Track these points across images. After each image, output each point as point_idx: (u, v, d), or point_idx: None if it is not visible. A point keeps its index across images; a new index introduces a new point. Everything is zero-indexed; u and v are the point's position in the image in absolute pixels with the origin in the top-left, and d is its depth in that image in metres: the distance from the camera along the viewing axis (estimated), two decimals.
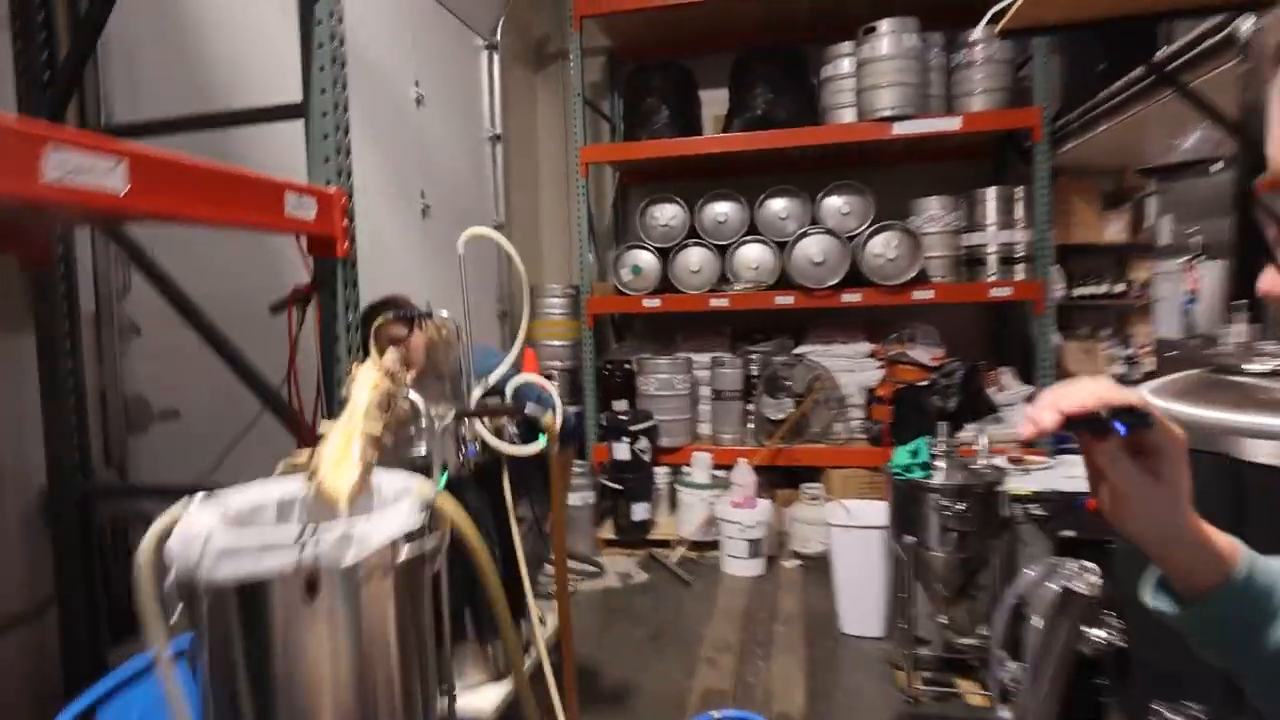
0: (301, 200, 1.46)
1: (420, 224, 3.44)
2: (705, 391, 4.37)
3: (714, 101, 4.60)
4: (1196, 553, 0.62)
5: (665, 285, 4.33)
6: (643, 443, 4.00)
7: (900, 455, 2.54)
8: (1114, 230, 4.76)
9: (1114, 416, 0.60)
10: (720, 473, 4.09)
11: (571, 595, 3.67)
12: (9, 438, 1.79)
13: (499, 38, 4.15)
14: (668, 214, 4.39)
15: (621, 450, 3.99)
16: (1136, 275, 5.05)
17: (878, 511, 3.24)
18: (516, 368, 2.37)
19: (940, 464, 2.46)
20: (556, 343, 4.43)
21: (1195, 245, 2.82)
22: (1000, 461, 2.62)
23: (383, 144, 3.16)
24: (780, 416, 4.18)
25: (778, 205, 4.31)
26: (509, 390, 1.82)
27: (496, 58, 4.15)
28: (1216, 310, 2.65)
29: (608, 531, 4.14)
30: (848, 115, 4.08)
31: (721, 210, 4.36)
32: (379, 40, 3.14)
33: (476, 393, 1.75)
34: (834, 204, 4.25)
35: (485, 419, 1.74)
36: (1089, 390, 0.61)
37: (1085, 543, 2.12)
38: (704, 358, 4.40)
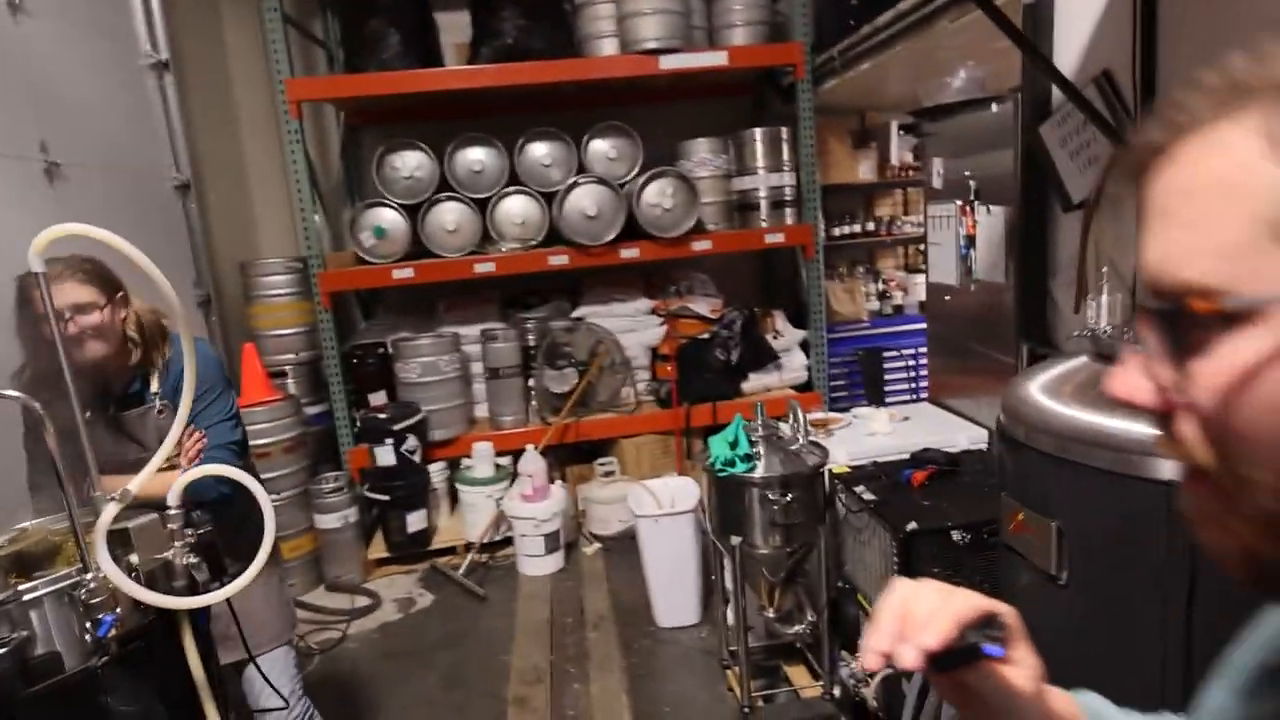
0: None
1: (44, 190, 2.37)
2: (478, 369, 3.72)
3: (453, 27, 3.81)
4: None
5: (418, 249, 3.56)
6: (410, 441, 3.29)
7: (718, 446, 2.15)
8: (864, 169, 4.76)
9: (983, 639, 0.53)
10: (505, 460, 3.52)
11: (340, 643, 2.95)
12: None
13: None
14: (411, 163, 3.59)
15: (385, 454, 3.25)
16: (883, 212, 5.15)
17: (683, 492, 2.89)
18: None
19: (760, 451, 2.11)
20: (285, 331, 3.50)
21: (971, 187, 2.70)
22: (817, 438, 2.33)
23: None
24: (564, 389, 3.67)
25: (539, 150, 3.69)
26: (174, 491, 1.09)
27: None
28: (997, 257, 2.55)
29: (379, 549, 3.42)
30: (608, 47, 3.53)
31: (476, 157, 3.65)
32: None
33: (107, 514, 1.00)
34: (600, 148, 3.72)
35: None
36: (938, 611, 0.54)
37: (927, 534, 1.89)
38: (472, 330, 3.74)
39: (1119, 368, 0.42)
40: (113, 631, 1.00)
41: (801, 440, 2.20)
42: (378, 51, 3.51)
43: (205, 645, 1.16)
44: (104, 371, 1.61)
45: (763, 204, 3.80)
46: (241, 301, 3.51)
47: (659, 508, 2.81)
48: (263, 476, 3.05)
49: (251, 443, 3.05)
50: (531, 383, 3.72)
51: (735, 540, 2.13)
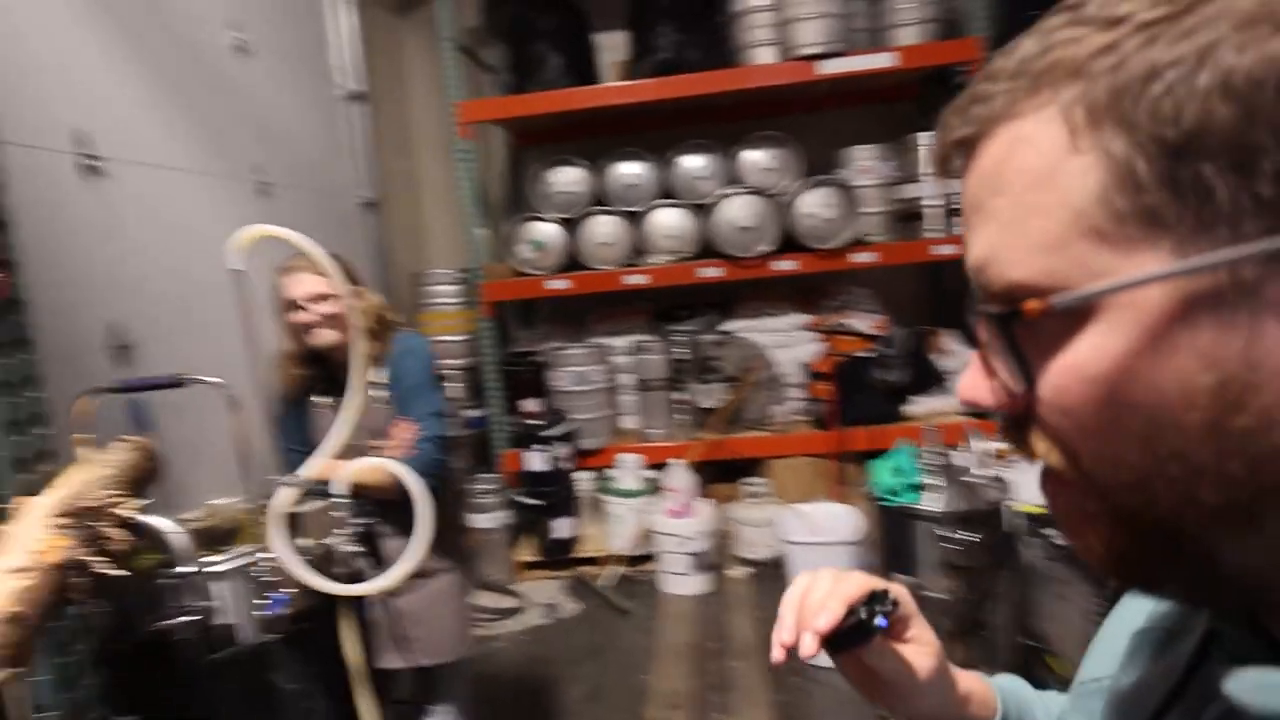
0: None
1: (256, 205, 2.65)
2: (626, 380, 3.76)
3: (611, 46, 3.91)
4: (965, 700, 0.62)
5: (573, 261, 3.67)
6: (560, 448, 3.37)
7: (882, 473, 2.02)
8: None
9: (869, 614, 0.56)
10: (652, 473, 3.52)
11: (490, 641, 3.07)
12: None
13: None
14: (568, 178, 3.71)
15: (536, 460, 3.35)
16: None
17: (838, 519, 2.76)
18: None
19: (932, 481, 1.95)
20: (450, 337, 3.71)
21: None
22: (998, 468, 2.14)
23: (194, 109, 2.35)
24: (714, 404, 3.63)
25: (693, 163, 3.69)
26: (341, 480, 1.15)
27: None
28: None
29: (527, 553, 3.52)
30: (766, 55, 3.48)
31: (630, 171, 3.71)
32: None
33: (282, 497, 1.07)
34: (755, 158, 3.67)
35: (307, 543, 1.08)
36: (829, 594, 0.58)
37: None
38: (622, 342, 3.79)
39: (966, 372, 0.41)
40: (283, 611, 1.08)
41: (980, 471, 2.02)
42: (540, 74, 3.67)
43: (364, 636, 1.22)
44: (335, 358, 1.73)
45: (930, 213, 3.59)
46: (413, 309, 3.76)
47: (811, 534, 2.69)
48: None
49: None
50: (680, 396, 3.71)
51: (902, 580, 1.99)
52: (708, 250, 3.59)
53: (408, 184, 4.03)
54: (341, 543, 1.15)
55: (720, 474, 3.66)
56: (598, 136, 3.90)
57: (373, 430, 1.70)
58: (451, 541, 1.84)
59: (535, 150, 4.11)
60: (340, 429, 1.17)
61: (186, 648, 1.03)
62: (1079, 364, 0.34)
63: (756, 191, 3.47)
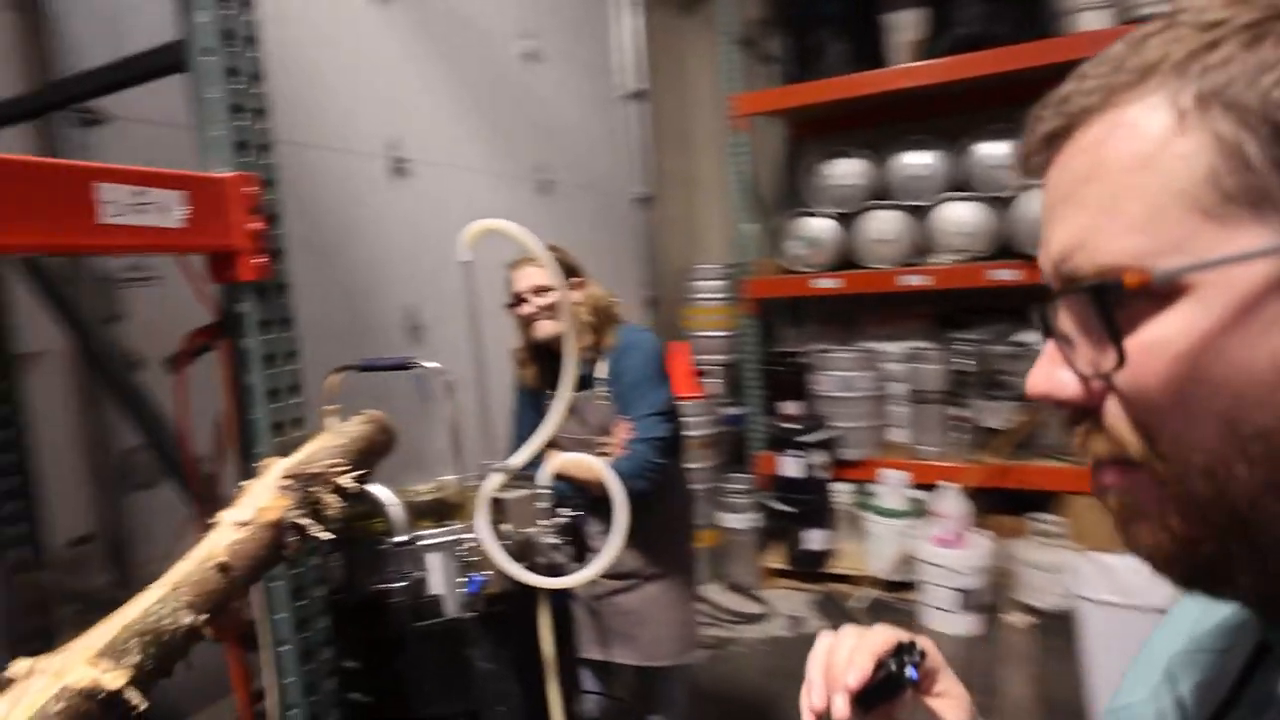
0: (145, 197, 0.88)
1: (538, 202, 2.86)
2: (897, 390, 3.46)
3: (905, 25, 3.58)
4: None
5: (847, 259, 3.46)
6: (816, 455, 3.20)
7: None
8: None
9: (899, 666, 0.55)
10: (919, 494, 3.21)
11: (729, 644, 3.03)
12: None
13: None
14: (846, 170, 3.49)
15: (791, 465, 3.22)
16: None
17: (1150, 580, 2.25)
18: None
19: None
20: (713, 333, 3.71)
21: None
22: None
23: (486, 113, 2.59)
24: (1000, 424, 3.20)
25: (993, 151, 3.27)
26: (546, 472, 1.15)
27: (631, 1, 3.44)
28: None
29: (776, 560, 3.41)
30: (1092, 20, 2.95)
31: (919, 161, 3.39)
32: None
33: (492, 482, 1.09)
34: None
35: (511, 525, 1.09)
36: (856, 649, 0.56)
37: None
38: (896, 348, 3.49)
39: (1037, 365, 0.40)
40: (481, 590, 1.12)
41: None
42: (822, 61, 3.50)
43: (563, 627, 1.23)
44: (558, 351, 1.76)
45: None
46: (680, 303, 3.83)
47: (1113, 593, 2.24)
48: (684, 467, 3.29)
49: None
50: (959, 412, 3.32)
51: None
52: (1003, 250, 3.17)
53: (682, 180, 4.10)
54: (544, 533, 1.16)
55: (1002, 504, 3.21)
56: (884, 125, 3.62)
57: (599, 426, 1.71)
58: (672, 545, 1.80)
59: (815, 142, 3.94)
60: (550, 421, 1.18)
61: (398, 611, 1.11)
62: (1169, 339, 0.34)
63: None
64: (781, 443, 3.25)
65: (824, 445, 3.23)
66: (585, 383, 1.75)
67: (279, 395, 1.06)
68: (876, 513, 3.18)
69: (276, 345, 1.06)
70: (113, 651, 0.65)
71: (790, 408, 3.45)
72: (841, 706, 0.54)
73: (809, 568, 3.30)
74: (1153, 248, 0.34)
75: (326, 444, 1.03)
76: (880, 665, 0.54)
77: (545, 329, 1.76)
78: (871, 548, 3.21)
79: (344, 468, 1.00)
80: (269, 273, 1.04)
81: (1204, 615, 0.49)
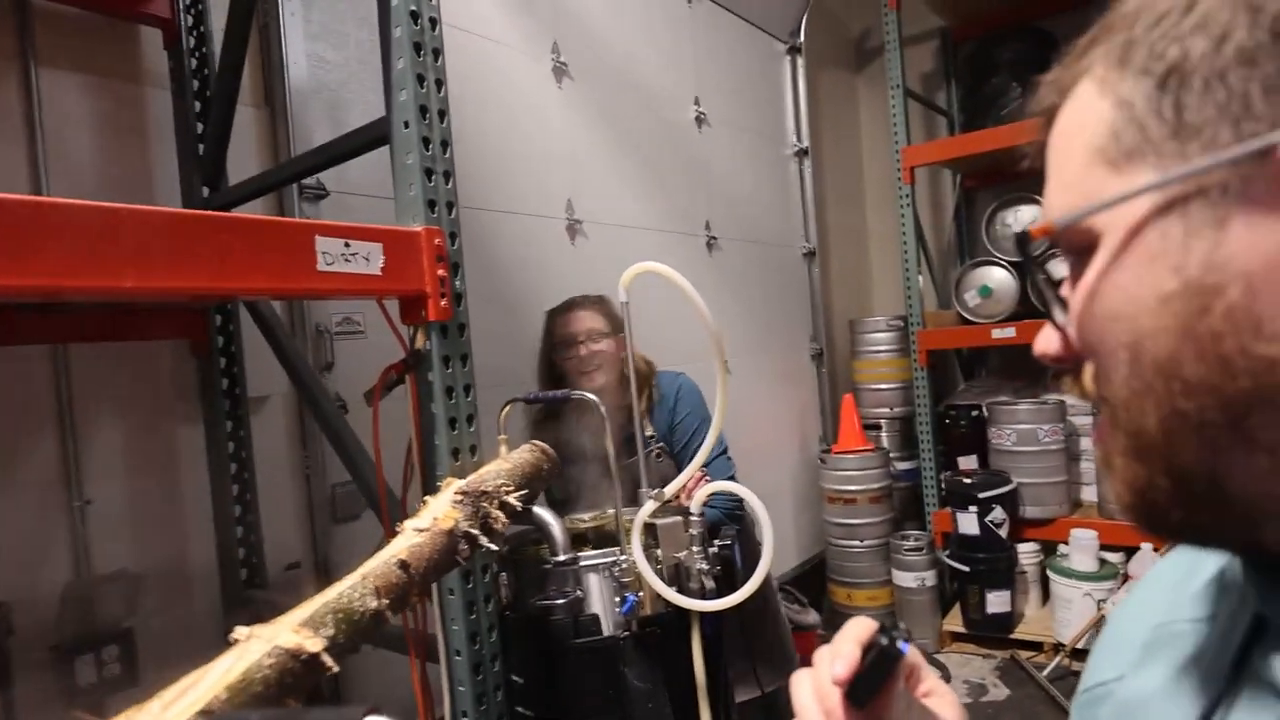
0: (351, 249, 1.01)
1: (705, 259, 2.93)
2: (1088, 445, 3.13)
3: None
4: None
5: (1025, 309, 3.22)
6: (996, 513, 2.94)
7: None
8: None
9: (890, 640, 0.49)
10: (1112, 556, 2.85)
11: None
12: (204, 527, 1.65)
13: (802, 39, 3.49)
14: (1025, 218, 3.29)
15: (968, 522, 2.98)
16: None
17: None
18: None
19: None
20: (884, 386, 3.56)
21: None
22: None
23: (657, 175, 2.72)
24: None
25: None
26: (697, 500, 1.16)
27: (800, 62, 3.49)
28: None
29: (955, 622, 3.14)
30: None
31: None
32: (649, 59, 2.72)
33: (646, 509, 1.12)
34: None
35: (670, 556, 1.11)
36: (841, 645, 0.51)
37: None
38: (1085, 401, 3.16)
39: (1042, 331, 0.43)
40: (635, 611, 1.14)
41: None
42: (996, 109, 3.36)
43: (715, 653, 1.22)
44: (609, 406, 1.76)
45: None
46: (849, 356, 3.72)
47: None
48: (849, 522, 3.15)
49: (840, 488, 3.20)
50: None
51: None
52: None
53: (851, 232, 4.03)
54: (695, 559, 1.17)
55: None
56: None
57: (662, 479, 1.69)
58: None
59: (988, 191, 3.75)
60: (702, 453, 1.19)
61: (559, 628, 1.16)
62: (1086, 284, 0.37)
63: None
64: (959, 499, 3.03)
65: (1005, 502, 2.97)
66: (633, 444, 1.76)
67: (456, 424, 1.16)
68: (1065, 575, 2.86)
69: (455, 379, 1.17)
70: (313, 623, 0.74)
71: (968, 462, 3.22)
72: (832, 703, 0.50)
73: (991, 631, 3.00)
74: (1072, 201, 0.37)
75: (496, 468, 1.11)
76: (868, 649, 0.50)
77: (593, 381, 1.70)
78: (1059, 613, 2.87)
79: (510, 488, 1.07)
80: (450, 314, 1.15)
81: (1181, 584, 0.48)
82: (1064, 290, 0.40)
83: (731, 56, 3.13)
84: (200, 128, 1.71)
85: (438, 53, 1.21)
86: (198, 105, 1.72)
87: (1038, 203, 3.26)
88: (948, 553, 3.10)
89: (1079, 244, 0.37)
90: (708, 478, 1.74)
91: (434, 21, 1.21)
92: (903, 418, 3.54)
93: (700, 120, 2.92)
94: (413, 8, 1.18)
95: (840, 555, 3.26)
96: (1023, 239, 0.40)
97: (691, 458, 1.77)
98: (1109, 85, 0.36)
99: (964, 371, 3.85)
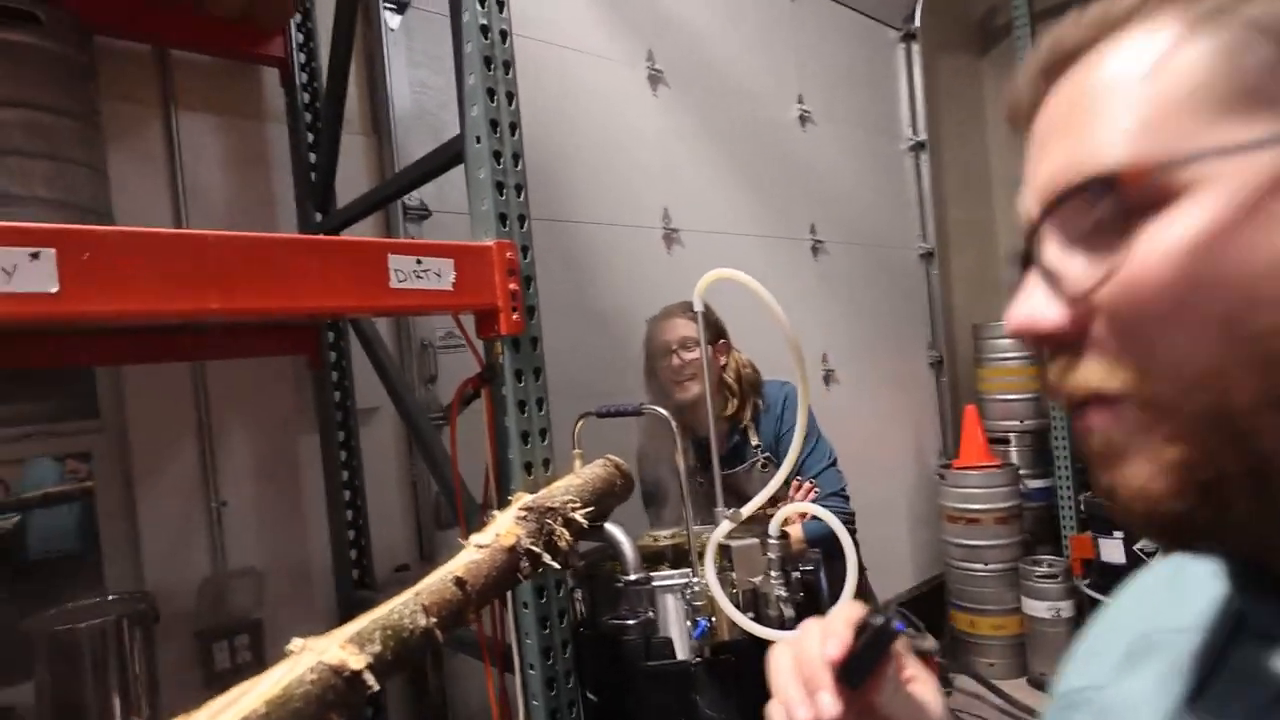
0: (423, 266, 1.04)
1: (810, 264, 2.83)
2: None
3: None
4: None
5: None
6: (1147, 540, 2.66)
7: None
8: None
9: (886, 621, 0.49)
10: None
11: None
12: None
13: (917, 24, 3.32)
14: None
15: (1113, 549, 2.71)
16: None
17: None
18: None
19: None
20: (1013, 396, 3.31)
21: None
22: None
23: (756, 179, 2.66)
24: None
25: None
26: (775, 522, 1.10)
27: (916, 49, 3.32)
28: None
29: None
30: None
31: None
32: (748, 59, 2.67)
33: (721, 529, 1.07)
34: None
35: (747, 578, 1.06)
36: (833, 627, 0.51)
37: None
38: None
39: (1018, 298, 0.38)
40: (708, 636, 1.10)
41: None
42: None
43: None
44: (702, 418, 1.71)
45: None
46: (972, 363, 3.49)
47: None
48: (971, 544, 2.95)
49: (962, 506, 3.00)
50: None
51: None
52: None
53: (975, 230, 3.78)
54: (773, 585, 1.11)
55: None
56: None
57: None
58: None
59: None
60: (781, 474, 1.14)
61: (631, 648, 1.14)
62: (1168, 241, 0.33)
63: None
64: (1102, 522, 2.76)
65: None
66: (738, 454, 1.68)
67: (529, 438, 1.17)
68: None
69: (528, 393, 1.18)
70: (360, 639, 0.76)
71: None
72: (830, 702, 0.47)
73: None
74: (1149, 151, 0.33)
75: (566, 483, 1.11)
76: (860, 630, 0.48)
77: (688, 391, 1.68)
78: None
79: (576, 504, 1.06)
80: (522, 327, 1.16)
81: (1163, 593, 0.48)
82: (1067, 256, 0.36)
83: (838, 48, 3.02)
84: (312, 157, 1.83)
85: (508, 66, 1.22)
86: (310, 136, 1.83)
87: None
88: (1087, 581, 2.83)
89: (1142, 199, 0.33)
90: (817, 489, 1.69)
91: (504, 35, 1.23)
92: (1034, 431, 3.27)
93: (804, 119, 2.83)
94: (483, 22, 1.21)
95: (962, 579, 3.06)
96: (1079, 185, 0.35)
97: (798, 468, 1.73)
98: (1203, 29, 0.34)
99: None
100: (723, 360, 1.77)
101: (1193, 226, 0.32)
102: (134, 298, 0.84)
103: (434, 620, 0.82)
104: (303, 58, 1.86)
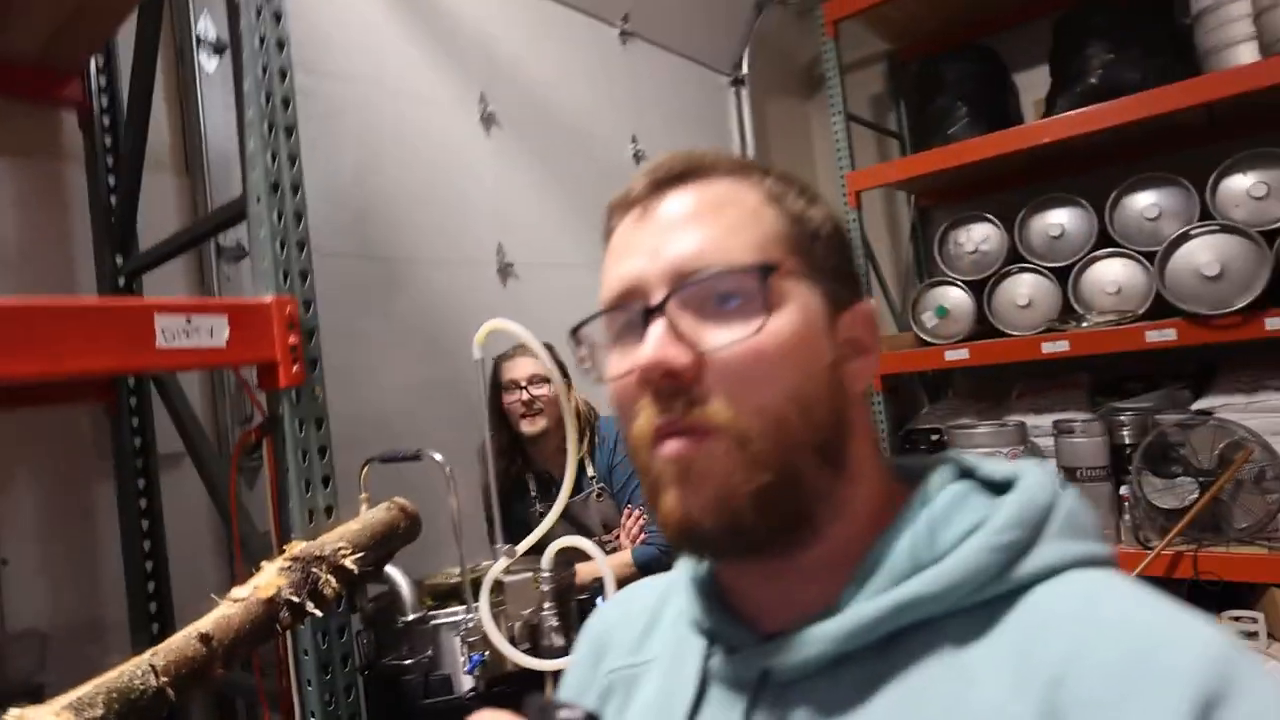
0: (193, 324, 1.06)
1: None
2: (1051, 467, 3.10)
3: (1034, 84, 3.40)
4: None
5: (983, 328, 3.22)
6: None
7: None
8: None
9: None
10: None
11: None
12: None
13: (745, 70, 3.55)
14: (976, 236, 3.29)
15: None
16: None
17: None
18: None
19: None
20: None
21: None
22: None
23: (591, 214, 2.76)
24: (1176, 504, 2.75)
25: (1142, 201, 2.94)
26: (548, 555, 1.18)
27: (745, 94, 3.55)
28: None
29: None
30: (1244, 54, 2.62)
31: (1055, 221, 3.13)
32: (582, 100, 2.78)
33: (497, 565, 1.14)
34: (1239, 187, 2.75)
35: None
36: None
37: None
38: (1047, 421, 3.15)
39: (648, 342, 0.50)
40: (484, 669, 1.15)
41: None
42: (944, 128, 3.38)
43: None
44: (545, 452, 1.83)
45: None
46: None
47: None
48: None
49: None
50: (1127, 492, 2.90)
51: None
52: (1159, 309, 2.80)
53: None
54: (545, 617, 1.19)
55: (1185, 597, 2.73)
56: (1016, 188, 3.40)
57: (601, 524, 1.72)
58: None
59: (943, 210, 3.77)
60: (553, 512, 1.22)
61: (410, 687, 1.18)
62: (782, 328, 0.51)
63: (1231, 229, 2.60)
64: None
65: None
66: (576, 485, 1.80)
67: (311, 485, 1.20)
68: None
69: (309, 442, 1.21)
70: (79, 705, 0.78)
71: None
72: None
73: None
74: (768, 257, 0.51)
75: (342, 530, 1.15)
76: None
77: (536, 424, 1.80)
78: None
79: (348, 551, 1.10)
80: (302, 379, 1.19)
81: (647, 620, 0.61)
82: (697, 318, 0.51)
83: (670, 92, 3.18)
84: (114, 200, 1.79)
85: (290, 130, 1.26)
86: (111, 180, 1.79)
87: (990, 221, 3.27)
88: None
89: (758, 292, 0.50)
90: (645, 517, 1.79)
91: (287, 102, 1.26)
92: None
93: (639, 157, 2.97)
94: (266, 90, 1.24)
95: None
96: (722, 272, 0.52)
97: (630, 498, 1.83)
98: (772, 204, 0.55)
99: (929, 394, 3.84)
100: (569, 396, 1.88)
101: (793, 323, 0.49)
102: None
103: (165, 680, 0.85)
104: (105, 100, 1.82)
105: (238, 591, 1.00)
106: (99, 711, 0.78)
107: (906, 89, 3.79)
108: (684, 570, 0.61)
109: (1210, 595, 2.69)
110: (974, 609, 0.46)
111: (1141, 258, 2.86)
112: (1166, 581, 2.68)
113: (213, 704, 1.80)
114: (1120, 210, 2.98)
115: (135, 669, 0.84)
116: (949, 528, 0.49)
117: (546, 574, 1.20)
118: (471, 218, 2.39)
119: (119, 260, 1.77)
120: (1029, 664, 0.43)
